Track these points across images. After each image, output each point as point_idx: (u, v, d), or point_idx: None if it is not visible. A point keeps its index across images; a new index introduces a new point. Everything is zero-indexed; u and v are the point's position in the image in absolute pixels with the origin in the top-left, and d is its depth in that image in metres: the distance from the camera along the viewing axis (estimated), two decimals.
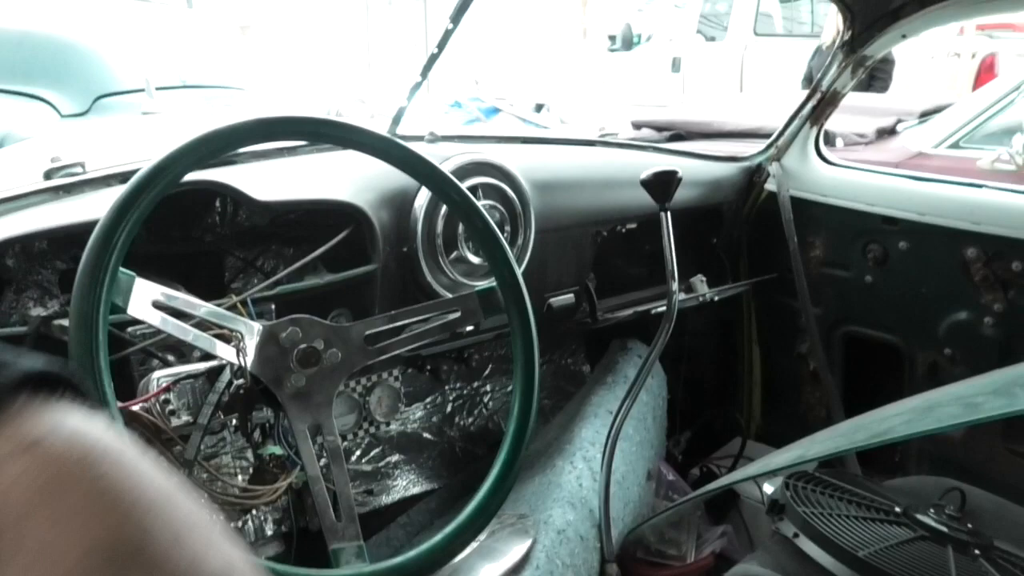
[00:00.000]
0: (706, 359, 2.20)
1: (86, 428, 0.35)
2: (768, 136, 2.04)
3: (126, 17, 4.31)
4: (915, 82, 6.01)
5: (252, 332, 1.02)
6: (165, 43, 4.13)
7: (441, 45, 1.48)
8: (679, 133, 3.73)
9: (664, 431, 1.87)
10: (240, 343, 1.01)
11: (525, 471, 1.56)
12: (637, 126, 4.02)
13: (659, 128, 3.89)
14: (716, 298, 1.90)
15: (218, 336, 1.02)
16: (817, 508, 1.19)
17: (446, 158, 1.43)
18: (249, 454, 1.16)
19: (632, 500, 1.59)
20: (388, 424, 1.62)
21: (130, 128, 2.07)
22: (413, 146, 1.13)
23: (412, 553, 0.99)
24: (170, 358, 1.16)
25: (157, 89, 2.92)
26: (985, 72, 5.98)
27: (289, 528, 1.43)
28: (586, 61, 9.60)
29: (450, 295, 1.37)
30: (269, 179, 1.29)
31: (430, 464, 1.76)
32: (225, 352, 1.01)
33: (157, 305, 0.97)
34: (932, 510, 1.19)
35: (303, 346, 1.02)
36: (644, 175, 1.55)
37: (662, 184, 1.56)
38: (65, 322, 0.96)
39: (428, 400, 1.77)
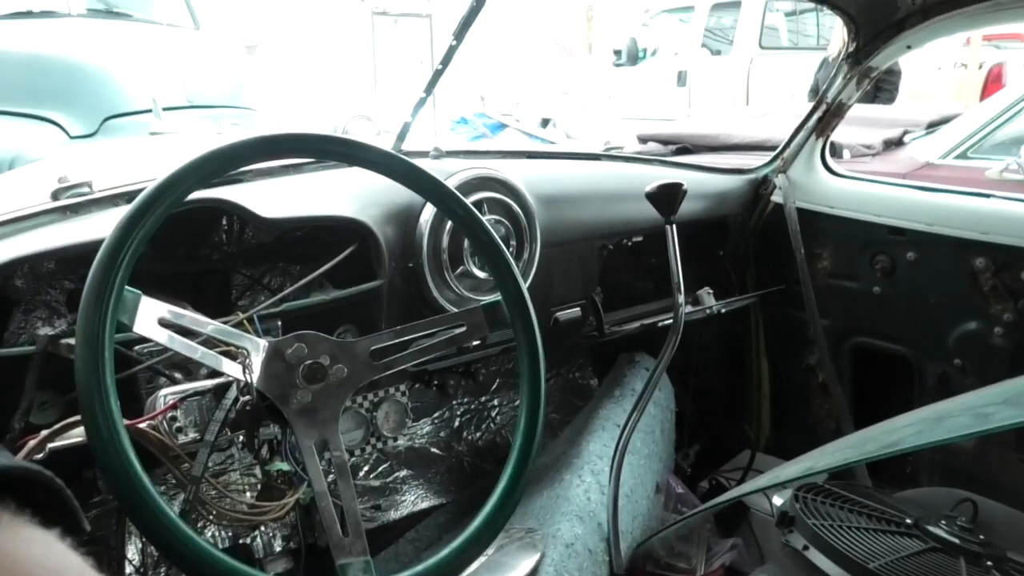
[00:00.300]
0: (714, 371, 2.19)
1: (28, 541, 0.33)
2: (774, 148, 2.04)
3: (134, 39, 4.34)
4: (922, 93, 6.01)
5: (258, 349, 1.02)
6: (172, 64, 4.16)
7: (445, 61, 1.49)
8: (685, 146, 3.75)
9: (672, 444, 1.86)
10: (246, 360, 1.01)
11: (533, 485, 1.56)
12: (643, 140, 4.03)
13: (665, 141, 3.90)
14: (723, 310, 1.90)
15: (224, 353, 1.02)
16: (827, 520, 1.18)
17: (451, 173, 1.43)
18: (256, 471, 1.16)
19: (641, 513, 1.58)
20: (395, 439, 1.61)
21: (138, 148, 2.09)
22: (418, 162, 1.14)
23: (420, 568, 0.98)
24: (177, 376, 1.16)
25: (165, 109, 2.94)
26: (992, 82, 5.98)
27: (297, 544, 1.43)
28: (592, 76, 9.62)
29: (456, 310, 1.37)
30: (275, 196, 1.30)
31: (438, 479, 1.76)
32: (231, 369, 1.01)
33: (163, 323, 0.97)
34: (944, 522, 1.18)
35: (309, 362, 1.02)
36: (649, 188, 1.56)
37: (667, 197, 1.56)
38: (72, 341, 0.96)
39: (435, 415, 1.77)
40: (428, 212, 1.41)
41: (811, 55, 6.50)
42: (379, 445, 1.49)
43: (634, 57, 8.90)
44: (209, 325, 1.00)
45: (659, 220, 1.58)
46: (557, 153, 2.22)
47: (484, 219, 1.19)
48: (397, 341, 1.11)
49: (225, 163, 1.01)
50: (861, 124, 3.41)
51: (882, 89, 4.93)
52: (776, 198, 1.99)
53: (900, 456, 1.76)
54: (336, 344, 1.05)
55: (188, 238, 1.35)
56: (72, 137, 3.78)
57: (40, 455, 1.02)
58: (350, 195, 1.37)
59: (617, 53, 9.14)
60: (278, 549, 1.47)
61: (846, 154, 3.27)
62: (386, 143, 1.47)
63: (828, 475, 1.39)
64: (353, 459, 1.55)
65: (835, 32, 4.91)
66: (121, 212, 0.95)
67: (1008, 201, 1.68)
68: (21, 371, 1.08)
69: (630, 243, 1.82)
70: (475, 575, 1.27)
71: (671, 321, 1.59)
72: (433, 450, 1.77)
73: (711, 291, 1.87)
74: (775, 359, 2.12)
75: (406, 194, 1.18)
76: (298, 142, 1.08)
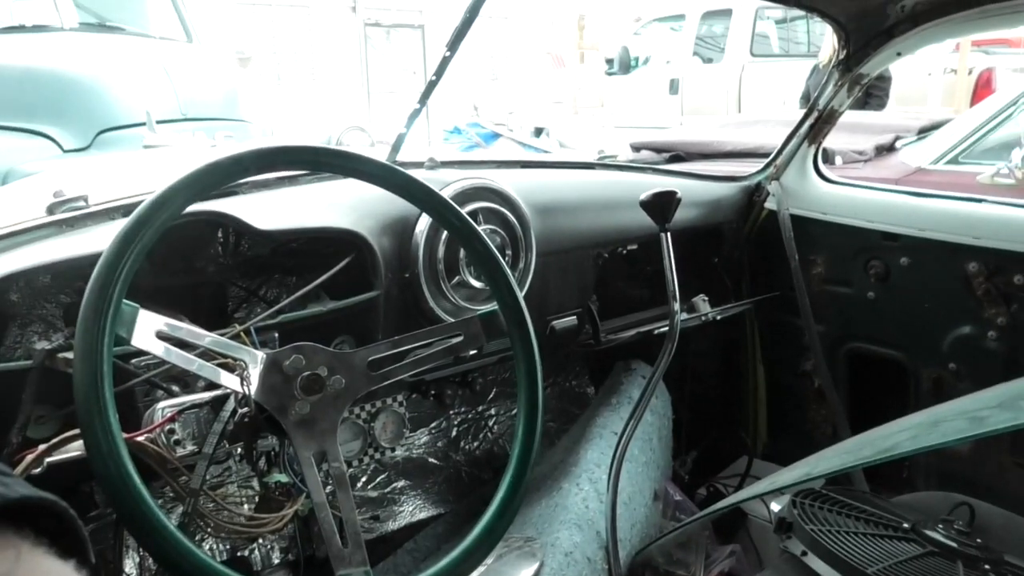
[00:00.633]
0: (710, 378, 2.20)
1: (45, 573, 0.33)
2: (767, 155, 2.05)
3: (127, 52, 4.35)
4: (912, 99, 6.04)
5: (256, 360, 1.02)
6: (166, 77, 4.17)
7: (439, 72, 1.49)
8: (678, 154, 3.76)
9: (670, 451, 1.86)
10: (244, 372, 1.01)
11: (531, 494, 1.56)
12: (636, 148, 4.04)
13: (658, 149, 3.91)
14: (719, 317, 1.91)
15: (222, 365, 1.02)
16: (825, 525, 1.18)
17: (446, 184, 1.44)
18: (255, 482, 1.16)
19: (639, 521, 1.59)
20: (393, 450, 1.61)
21: (132, 162, 2.09)
22: (413, 172, 1.14)
23: None
24: (174, 388, 1.16)
25: (158, 122, 2.94)
26: (982, 87, 6.02)
27: (296, 556, 1.43)
28: (584, 85, 9.66)
29: (453, 320, 1.37)
30: (271, 209, 1.30)
31: (436, 489, 1.76)
32: (229, 381, 1.01)
33: (161, 336, 0.97)
34: (941, 526, 1.18)
35: (307, 373, 1.02)
36: (643, 196, 1.56)
37: (661, 205, 1.56)
38: (70, 355, 0.96)
39: (433, 425, 1.77)
40: (424, 223, 1.41)
41: (802, 62, 6.54)
42: (377, 456, 1.49)
43: (626, 66, 8.95)
44: (207, 337, 1.00)
45: (653, 228, 1.58)
46: (551, 162, 2.23)
47: (480, 229, 1.19)
48: (394, 351, 1.11)
49: (221, 176, 1.01)
50: (853, 130, 3.43)
51: (872, 95, 4.96)
52: (770, 205, 2.00)
53: (897, 461, 1.77)
54: (333, 355, 1.05)
55: (184, 251, 1.35)
56: (66, 151, 3.78)
57: (38, 469, 1.02)
58: (346, 207, 1.38)
59: (609, 62, 9.19)
60: (276, 561, 1.46)
61: (838, 160, 3.29)
62: (381, 154, 1.47)
63: (825, 480, 1.39)
64: (351, 470, 1.55)
65: (825, 39, 4.94)
66: (117, 226, 0.95)
67: (1000, 205, 1.69)
68: (18, 385, 1.08)
69: (625, 251, 1.83)
70: None
71: (667, 329, 1.59)
72: (431, 460, 1.77)
73: (706, 298, 1.88)
74: (771, 365, 2.12)
75: (401, 205, 1.19)
76: (293, 154, 1.08)
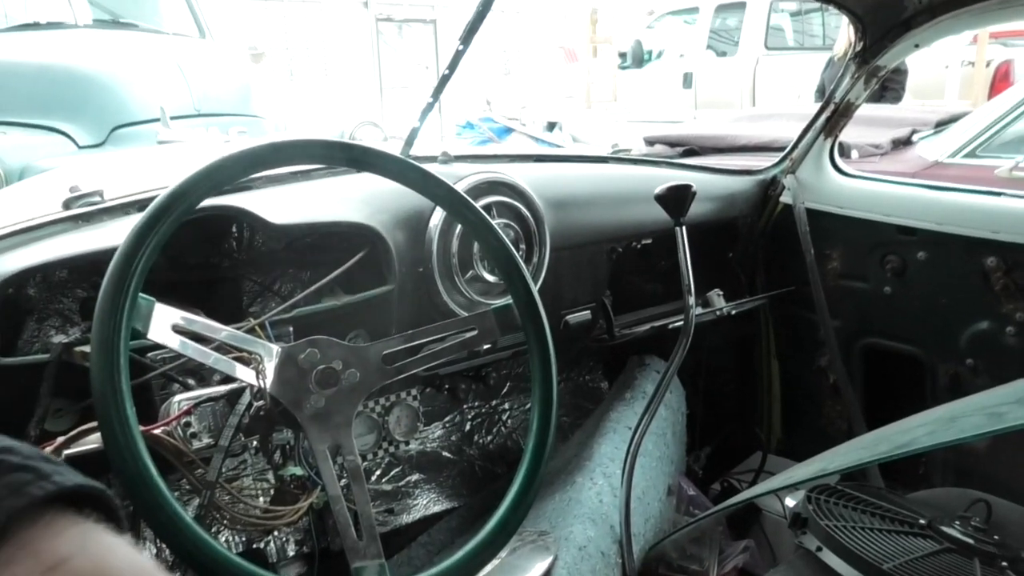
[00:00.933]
0: (725, 374, 2.19)
1: (110, 549, 0.35)
2: (782, 149, 2.03)
3: (141, 48, 4.37)
4: (929, 92, 5.99)
5: (271, 354, 1.02)
6: (179, 73, 4.18)
7: (452, 66, 1.49)
8: (692, 148, 3.74)
9: (684, 446, 1.86)
10: (259, 365, 1.02)
11: (545, 488, 1.56)
12: (650, 142, 4.03)
13: (672, 144, 3.89)
14: (733, 312, 1.90)
15: (237, 359, 1.02)
16: (840, 521, 1.17)
17: (460, 178, 1.44)
18: (270, 475, 1.17)
19: (653, 516, 1.58)
20: (407, 443, 1.62)
21: (147, 157, 2.10)
22: (427, 167, 1.14)
23: (434, 570, 0.98)
24: (190, 382, 1.17)
25: (172, 118, 2.96)
26: (1000, 80, 5.96)
27: (311, 548, 1.43)
28: (597, 79, 9.63)
29: (466, 314, 1.37)
30: (285, 203, 1.30)
31: (450, 483, 1.76)
32: (245, 375, 1.02)
33: (177, 329, 0.97)
34: (958, 522, 1.17)
35: (322, 367, 1.03)
36: (658, 190, 1.56)
37: (677, 199, 1.56)
38: (87, 349, 0.96)
39: (447, 419, 1.77)
40: (437, 216, 1.42)
41: (817, 55, 6.50)
42: (391, 449, 1.49)
43: (639, 60, 8.91)
44: (222, 331, 1.01)
45: (668, 222, 1.58)
46: (565, 156, 2.22)
47: (494, 223, 1.19)
48: (408, 345, 1.11)
49: (236, 170, 1.02)
50: (869, 124, 3.40)
51: (888, 88, 4.91)
52: (785, 199, 1.99)
53: (913, 457, 1.75)
54: (348, 349, 1.05)
55: (199, 245, 1.35)
56: (81, 147, 3.81)
57: None
58: (359, 201, 1.38)
59: (622, 56, 9.16)
60: (291, 553, 1.47)
61: (854, 154, 3.26)
62: (394, 148, 1.47)
63: (840, 476, 1.38)
64: (365, 463, 1.56)
65: (841, 32, 4.89)
66: (132, 220, 0.96)
67: (1019, 199, 1.67)
68: (36, 379, 1.09)
69: (639, 246, 1.82)
70: None
71: (681, 323, 1.59)
72: (445, 454, 1.77)
73: (721, 293, 1.87)
74: (786, 361, 2.11)
75: (415, 199, 1.19)
76: (307, 148, 1.08)
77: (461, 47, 1.46)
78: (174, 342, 0.97)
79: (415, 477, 1.72)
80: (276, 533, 1.45)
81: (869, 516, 1.21)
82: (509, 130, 7.78)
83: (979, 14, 1.59)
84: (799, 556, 1.20)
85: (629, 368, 1.93)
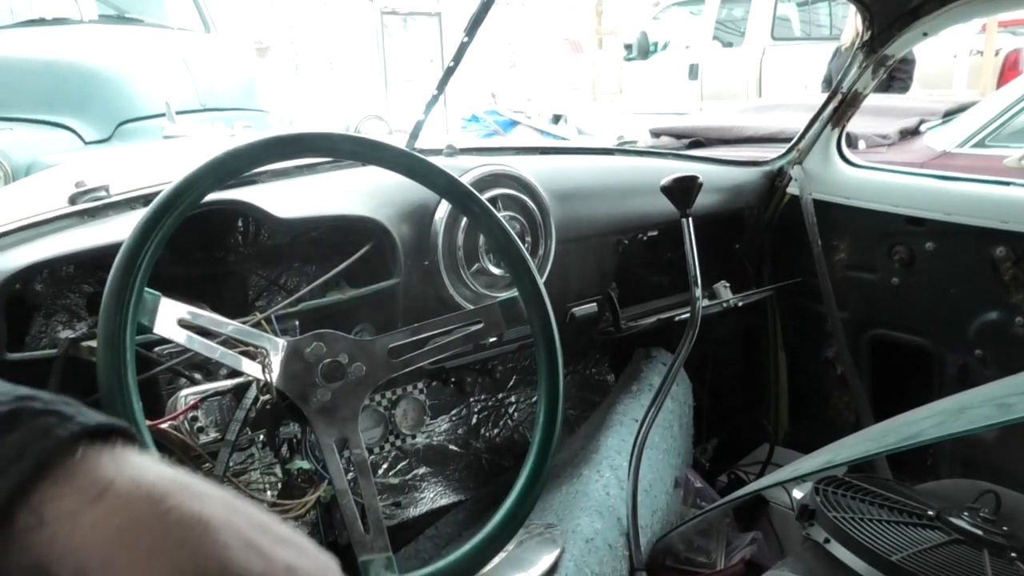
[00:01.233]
0: (732, 365, 2.19)
1: (145, 467, 0.37)
2: (788, 140, 2.02)
3: (146, 43, 4.37)
4: (937, 82, 5.96)
5: (277, 348, 1.02)
6: (185, 68, 4.19)
7: (457, 58, 1.49)
8: (698, 140, 3.73)
9: (691, 438, 1.86)
10: (266, 359, 1.02)
11: (552, 481, 1.56)
12: (656, 134, 4.02)
13: (678, 135, 3.89)
14: (740, 304, 1.89)
15: (244, 353, 1.03)
16: (848, 513, 1.17)
17: (465, 170, 1.43)
18: (277, 469, 1.17)
19: (660, 508, 1.58)
20: (414, 437, 1.62)
21: (153, 152, 2.10)
22: (432, 160, 1.14)
23: (441, 563, 0.99)
24: (197, 376, 1.17)
25: (178, 113, 2.96)
26: (1009, 69, 5.92)
27: (318, 541, 1.43)
28: (603, 71, 9.60)
29: (472, 307, 1.37)
30: (290, 197, 1.30)
31: (457, 476, 1.76)
32: (251, 369, 1.02)
33: (183, 324, 0.97)
34: (966, 513, 1.17)
35: (328, 361, 1.03)
36: (664, 182, 1.55)
37: (683, 190, 1.55)
38: (93, 343, 0.97)
39: (453, 412, 1.77)
40: (443, 210, 1.41)
41: (824, 45, 6.46)
42: (397, 443, 1.49)
43: (645, 51, 8.88)
44: (228, 325, 1.01)
45: (674, 214, 1.57)
46: (570, 148, 2.21)
47: (499, 216, 1.19)
48: (414, 339, 1.11)
49: (241, 164, 1.02)
50: (876, 114, 3.38)
51: (895, 78, 4.89)
52: (792, 190, 1.98)
53: (921, 448, 1.75)
54: (354, 343, 1.05)
55: (204, 240, 1.35)
56: (87, 143, 3.82)
57: None
58: (364, 194, 1.38)
59: (628, 47, 9.12)
60: None
61: (861, 144, 3.25)
62: (399, 142, 1.47)
63: (848, 468, 1.38)
64: (372, 457, 1.56)
65: (848, 21, 4.87)
66: (138, 215, 0.96)
67: None
68: (43, 374, 1.09)
69: (645, 237, 1.82)
70: (495, 571, 1.27)
71: (688, 315, 1.58)
72: (451, 447, 1.77)
73: (727, 285, 1.86)
74: (793, 352, 2.11)
75: (420, 192, 1.18)
76: (312, 142, 1.08)
77: (466, 39, 1.46)
78: (180, 336, 0.97)
79: (422, 470, 1.72)
80: None
81: (877, 508, 1.21)
82: (514, 123, 7.76)
83: (988, 2, 1.58)
84: (807, 548, 1.20)
85: (635, 360, 1.92)
